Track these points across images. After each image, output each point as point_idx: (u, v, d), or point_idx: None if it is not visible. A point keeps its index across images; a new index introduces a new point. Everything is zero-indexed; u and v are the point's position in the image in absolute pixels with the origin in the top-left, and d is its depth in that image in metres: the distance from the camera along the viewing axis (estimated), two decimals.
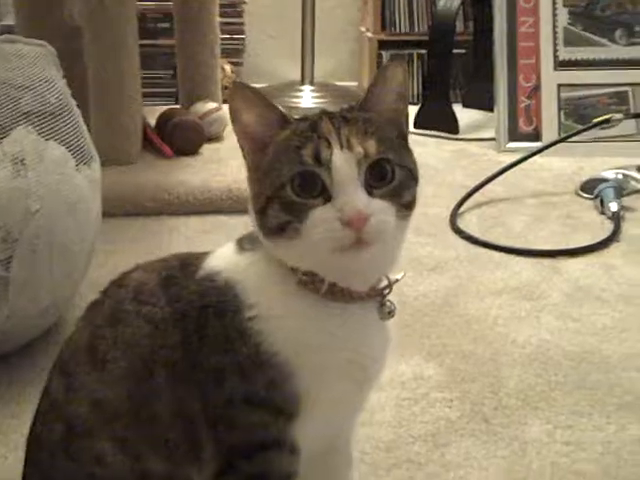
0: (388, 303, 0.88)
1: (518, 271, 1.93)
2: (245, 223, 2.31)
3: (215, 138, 2.65)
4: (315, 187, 0.78)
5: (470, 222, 2.21)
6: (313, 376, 0.84)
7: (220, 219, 2.21)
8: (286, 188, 0.79)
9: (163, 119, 2.56)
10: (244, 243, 0.88)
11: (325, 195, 0.78)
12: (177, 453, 0.85)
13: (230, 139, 2.70)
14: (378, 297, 0.87)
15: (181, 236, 2.12)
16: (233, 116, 0.83)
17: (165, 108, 2.72)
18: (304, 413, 0.84)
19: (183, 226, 2.18)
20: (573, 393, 1.44)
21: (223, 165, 2.43)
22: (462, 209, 2.27)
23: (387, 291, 0.88)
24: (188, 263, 0.89)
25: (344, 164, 0.78)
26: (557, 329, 1.66)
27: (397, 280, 0.89)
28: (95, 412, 0.85)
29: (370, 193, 0.78)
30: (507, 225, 2.21)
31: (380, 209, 0.78)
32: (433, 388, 1.44)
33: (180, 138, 2.49)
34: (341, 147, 0.78)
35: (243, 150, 0.85)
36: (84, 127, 1.54)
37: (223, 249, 0.90)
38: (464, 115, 3.17)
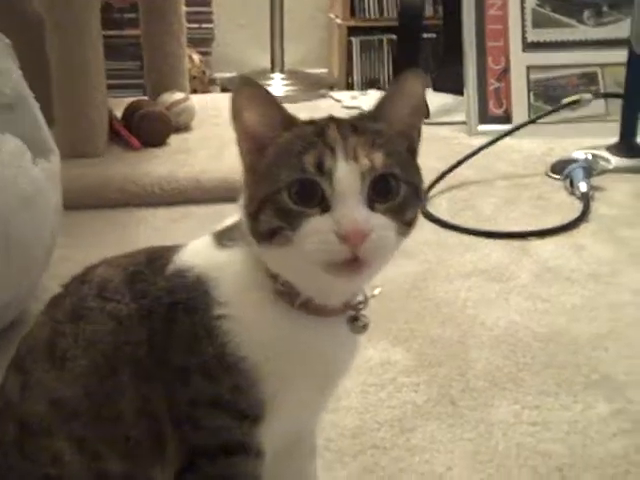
0: (363, 317, 0.85)
1: (487, 253, 1.92)
2: (213, 212, 2.28)
3: (183, 129, 2.63)
4: (314, 197, 0.74)
5: (440, 206, 2.20)
6: (280, 384, 0.81)
7: (189, 209, 2.19)
8: (282, 193, 0.75)
9: (130, 110, 2.53)
10: (223, 239, 0.84)
11: (323, 205, 0.74)
12: (139, 453, 0.83)
13: (199, 129, 2.68)
14: (352, 311, 0.85)
15: (149, 227, 2.09)
16: (234, 113, 0.78)
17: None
18: (269, 417, 0.82)
19: (151, 217, 2.15)
20: (541, 373, 1.44)
21: (191, 155, 2.41)
22: (432, 193, 2.26)
23: (362, 306, 0.85)
24: (156, 258, 0.86)
25: (347, 176, 0.73)
26: (526, 310, 1.66)
27: (373, 296, 0.86)
28: (52, 411, 0.83)
29: (372, 208, 0.74)
30: (477, 208, 2.20)
31: (381, 225, 0.74)
32: (400, 373, 1.43)
33: (147, 129, 2.46)
34: (346, 158, 0.74)
35: (241, 150, 0.80)
36: (42, 119, 1.52)
37: (196, 243, 0.87)
38: (435, 99, 3.15)
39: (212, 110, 2.87)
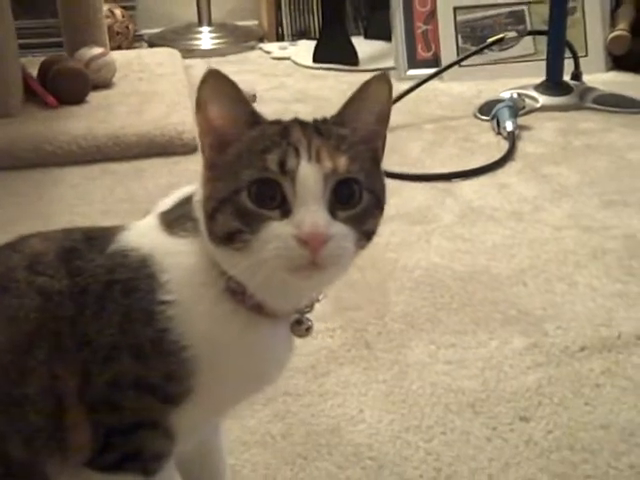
0: (306, 320, 0.83)
1: (411, 197, 1.90)
2: (133, 169, 2.21)
3: (104, 85, 2.54)
4: (274, 198, 0.72)
5: None
6: (215, 379, 0.79)
7: (108, 166, 2.12)
8: (242, 194, 0.72)
9: (45, 67, 2.42)
10: (175, 227, 0.80)
11: (284, 208, 0.72)
12: (38, 440, 0.79)
13: (120, 85, 2.60)
14: (297, 314, 0.83)
15: (67, 186, 2.02)
16: (199, 105, 0.75)
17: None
18: (191, 406, 0.79)
19: (69, 176, 2.08)
20: (459, 312, 1.42)
21: (111, 112, 2.34)
22: None
23: (307, 309, 0.83)
24: (94, 236, 0.83)
25: (310, 177, 0.71)
26: (447, 251, 1.64)
27: (318, 300, 0.84)
28: None
29: (333, 214, 0.72)
30: (403, 151, 2.17)
31: (341, 234, 0.72)
32: (316, 319, 1.39)
33: (63, 86, 2.37)
34: (309, 159, 0.72)
35: (202, 144, 0.77)
36: None
37: (141, 224, 0.83)
38: (366, 47, 3.10)
39: (137, 66, 2.79)
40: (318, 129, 0.76)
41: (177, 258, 0.79)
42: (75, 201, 1.94)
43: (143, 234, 0.81)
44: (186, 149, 2.14)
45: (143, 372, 0.78)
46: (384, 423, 1.16)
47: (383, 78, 0.78)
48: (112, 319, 0.78)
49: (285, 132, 0.75)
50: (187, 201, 0.81)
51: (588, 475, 1.06)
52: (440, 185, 1.96)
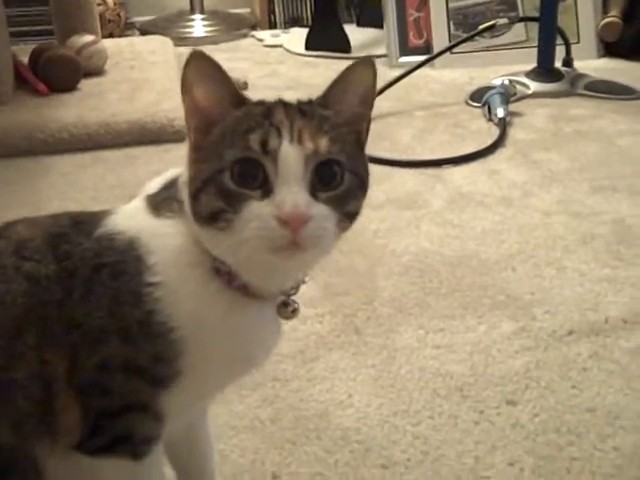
0: (292, 302, 0.84)
1: (402, 183, 1.90)
2: (124, 156, 2.20)
3: (95, 72, 2.53)
4: (256, 177, 0.72)
5: None
6: (202, 361, 0.79)
7: (99, 154, 2.12)
8: (225, 174, 0.73)
9: (36, 55, 2.42)
10: (162, 208, 0.81)
11: (265, 188, 0.72)
12: (27, 424, 0.79)
13: (112, 73, 2.59)
14: (283, 296, 0.83)
15: (58, 174, 2.03)
16: (184, 87, 0.76)
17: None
18: (178, 389, 0.80)
19: (60, 164, 2.08)
20: (448, 297, 1.43)
21: (102, 99, 2.33)
22: None
23: (293, 292, 0.83)
24: (81, 221, 0.83)
25: (291, 157, 0.72)
26: (437, 236, 1.65)
27: (304, 282, 0.84)
28: None
29: (314, 195, 0.73)
30: (394, 138, 2.17)
31: (322, 215, 0.72)
32: (305, 304, 1.39)
33: (54, 73, 2.36)
34: (291, 139, 0.73)
35: (188, 127, 0.78)
36: None
37: (128, 208, 0.83)
38: (358, 34, 3.10)
39: (128, 54, 2.78)
40: (301, 110, 0.76)
41: (163, 240, 0.79)
42: (66, 189, 1.94)
43: (130, 217, 0.82)
44: (177, 136, 2.13)
45: (132, 354, 0.78)
46: (372, 407, 1.17)
47: (368, 62, 0.79)
48: (100, 302, 0.78)
49: (268, 113, 0.75)
50: (173, 184, 0.82)
51: (574, 457, 1.07)
52: (430, 171, 1.96)
